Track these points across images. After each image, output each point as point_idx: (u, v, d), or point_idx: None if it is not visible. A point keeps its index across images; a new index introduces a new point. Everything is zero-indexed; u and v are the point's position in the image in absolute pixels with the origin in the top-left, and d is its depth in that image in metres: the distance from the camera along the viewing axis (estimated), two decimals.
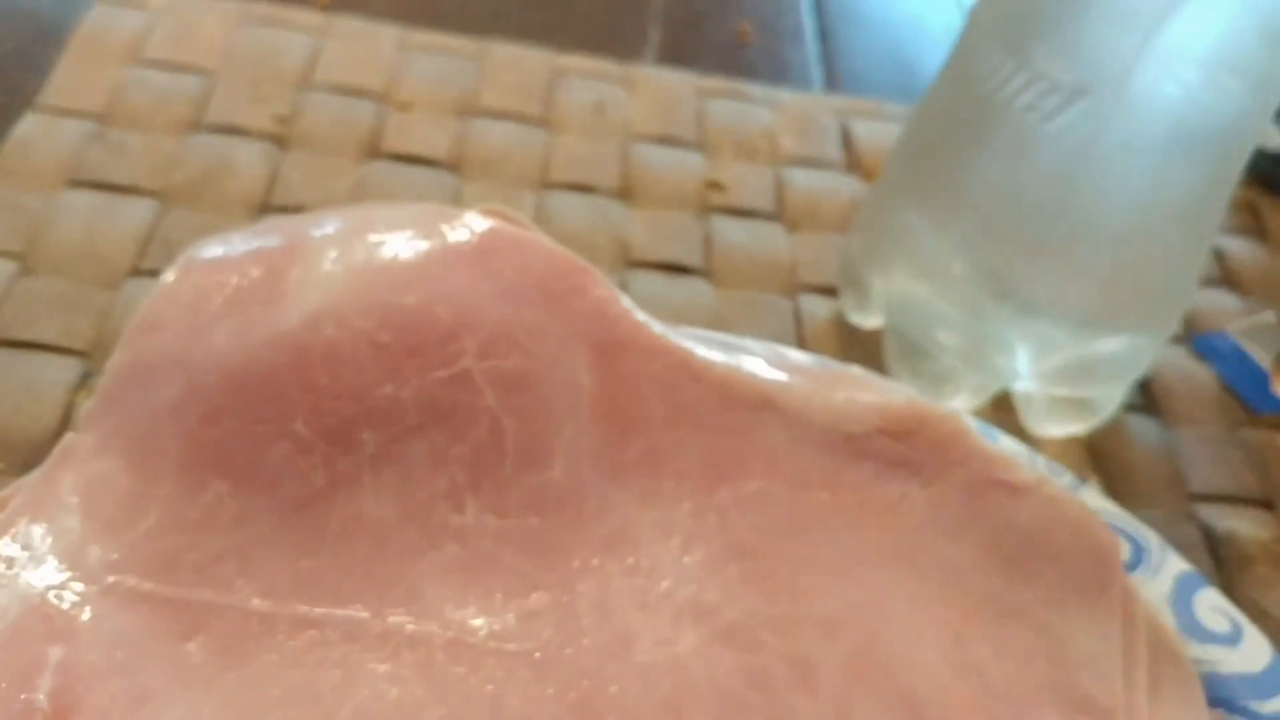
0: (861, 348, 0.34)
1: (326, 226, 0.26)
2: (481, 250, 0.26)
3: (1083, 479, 0.30)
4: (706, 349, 0.27)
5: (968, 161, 0.30)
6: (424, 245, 0.26)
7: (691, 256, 0.36)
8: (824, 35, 0.46)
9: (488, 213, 0.27)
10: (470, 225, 0.27)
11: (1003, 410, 0.33)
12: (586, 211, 0.36)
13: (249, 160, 0.35)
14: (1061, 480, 0.29)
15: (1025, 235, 0.30)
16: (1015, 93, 0.29)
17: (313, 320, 0.24)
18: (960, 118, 0.30)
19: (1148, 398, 0.35)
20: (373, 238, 0.26)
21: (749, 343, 0.30)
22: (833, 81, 0.44)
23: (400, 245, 0.26)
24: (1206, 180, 0.30)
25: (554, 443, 0.26)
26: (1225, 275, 0.40)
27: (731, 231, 0.37)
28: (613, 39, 0.44)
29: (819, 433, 0.27)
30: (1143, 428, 0.34)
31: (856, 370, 0.29)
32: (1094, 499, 0.29)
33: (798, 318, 0.35)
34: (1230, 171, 0.30)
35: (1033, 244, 0.30)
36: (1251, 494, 0.33)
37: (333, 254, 0.26)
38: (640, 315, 0.27)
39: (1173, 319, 0.33)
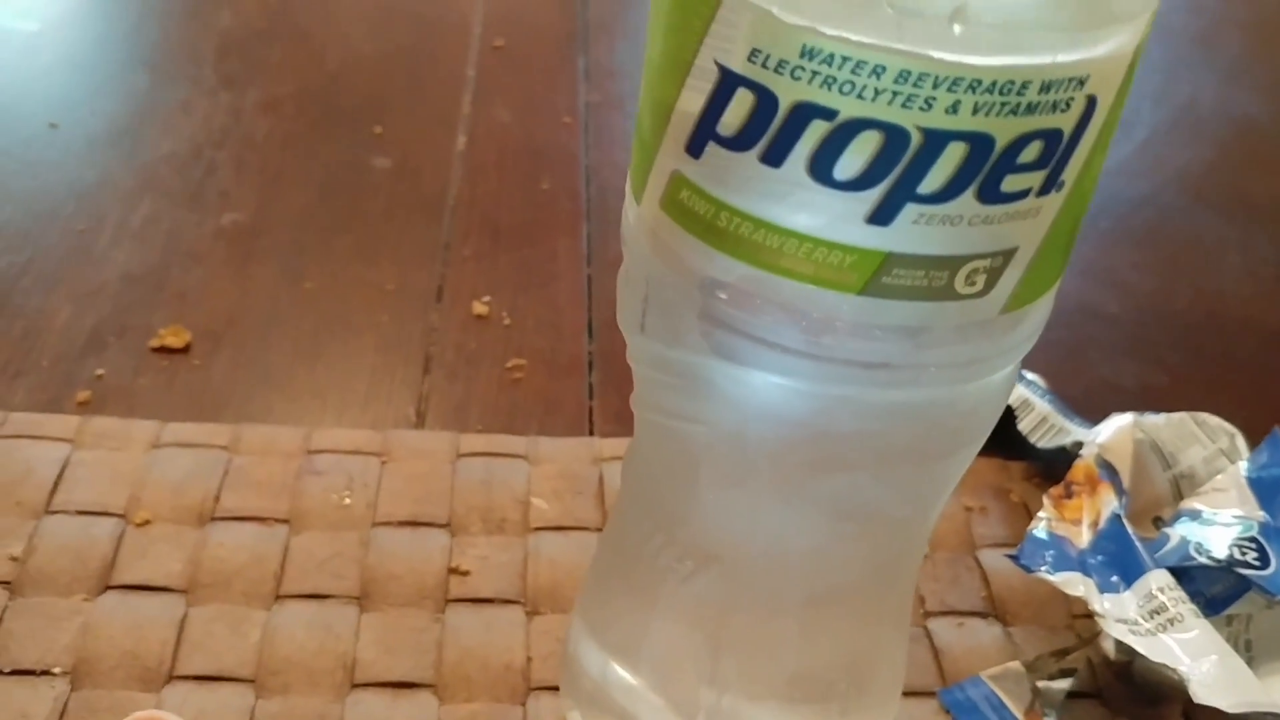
0: None
1: None
2: None
3: None
4: None
5: (637, 608, 0.30)
6: None
7: (420, 669, 0.35)
8: (594, 365, 0.47)
9: None
10: None
11: None
12: (315, 628, 0.36)
13: None
14: None
15: (697, 672, 0.30)
16: (656, 551, 0.29)
17: None
18: (624, 569, 0.30)
19: None
20: None
21: None
22: (605, 414, 0.45)
23: None
24: (877, 571, 0.29)
25: None
26: (989, 603, 0.40)
27: (467, 629, 0.37)
28: (374, 398, 0.44)
29: None
30: None
31: None
32: None
33: None
34: (907, 549, 0.29)
35: (705, 679, 0.30)
36: None
37: None
38: None
39: (888, 701, 0.32)
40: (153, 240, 0.50)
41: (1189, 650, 0.34)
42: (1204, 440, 0.43)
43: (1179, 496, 0.42)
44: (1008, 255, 0.22)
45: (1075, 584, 0.36)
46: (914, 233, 0.21)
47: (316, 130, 0.58)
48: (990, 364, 0.24)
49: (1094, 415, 0.44)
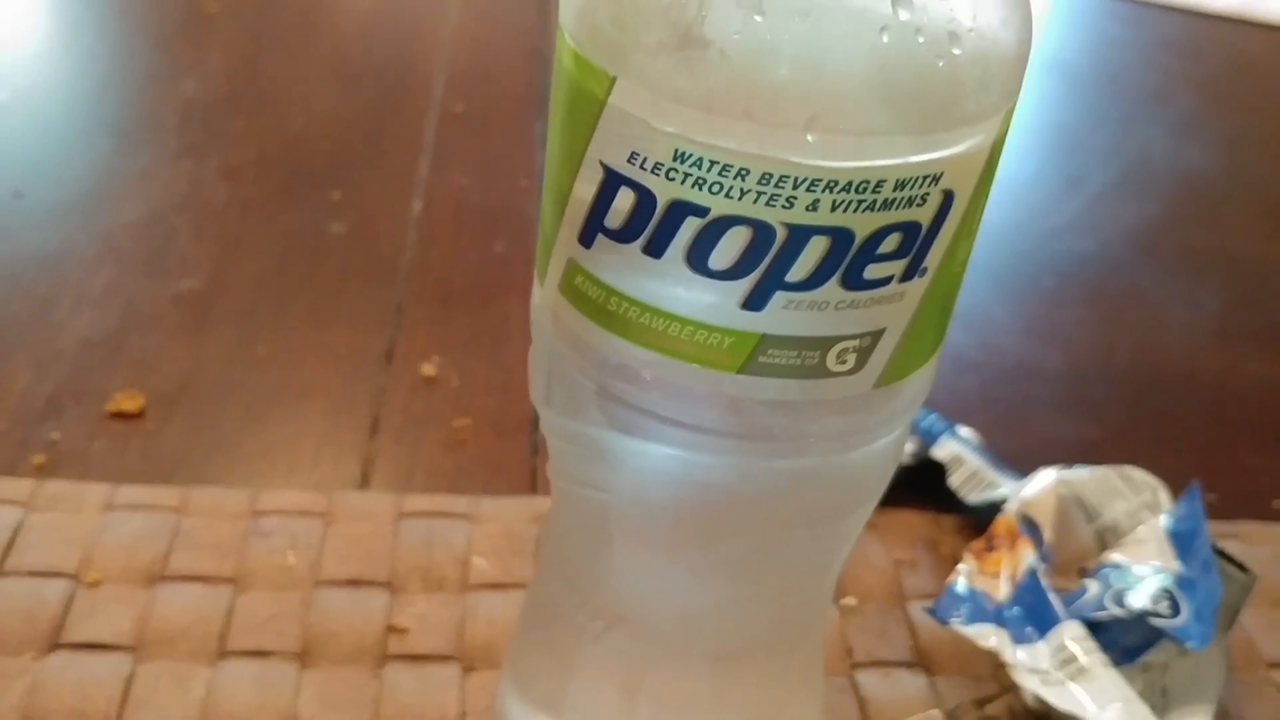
0: None
1: None
2: None
3: None
4: None
5: (558, 665, 0.31)
6: None
7: None
8: (538, 425, 0.48)
9: None
10: None
11: None
12: (258, 684, 0.37)
13: None
14: None
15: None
16: (571, 611, 0.30)
17: None
18: (544, 627, 0.32)
19: None
20: None
21: None
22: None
23: None
24: (781, 629, 0.30)
25: None
26: (916, 654, 0.41)
27: (404, 686, 0.38)
28: (321, 460, 0.45)
29: None
30: None
31: None
32: None
33: None
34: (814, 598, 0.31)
35: None
36: None
37: None
38: None
39: None
40: (111, 307, 0.51)
41: (1095, 698, 0.36)
42: (1128, 494, 0.45)
43: (1103, 548, 0.44)
44: (875, 336, 0.23)
45: (988, 635, 0.38)
46: (785, 317, 0.22)
47: (276, 196, 0.60)
48: (870, 434, 0.25)
49: (1031, 470, 0.45)
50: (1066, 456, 0.47)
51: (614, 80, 0.21)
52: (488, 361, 0.51)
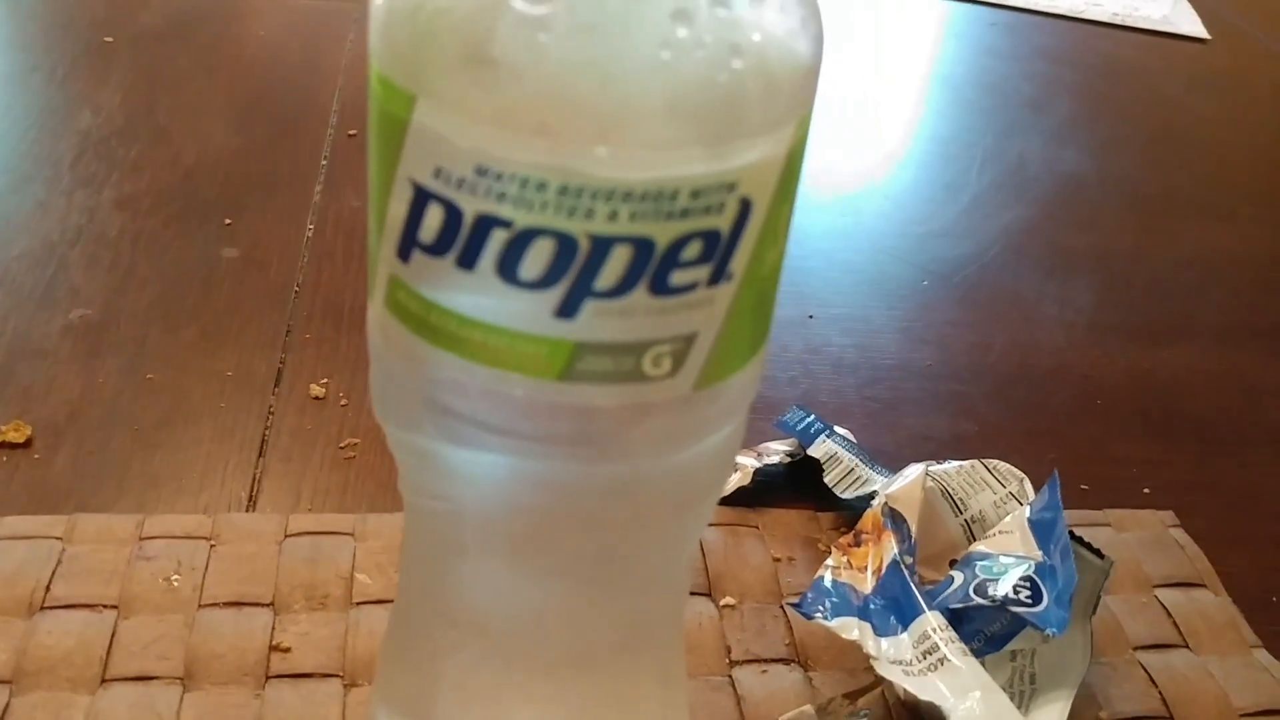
0: None
1: None
2: None
3: None
4: None
5: (423, 679, 0.32)
6: None
7: None
8: None
9: None
10: None
11: None
12: (139, 709, 0.38)
13: None
14: None
15: None
16: (429, 623, 0.31)
17: None
18: (406, 641, 0.33)
19: None
20: None
21: None
22: None
23: None
24: (635, 629, 0.31)
25: None
26: (793, 650, 0.42)
27: (286, 704, 0.38)
28: (208, 483, 0.46)
29: None
30: None
31: None
32: None
33: None
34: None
35: None
36: None
37: None
38: None
39: None
40: (0, 338, 0.52)
41: (953, 688, 0.37)
42: (994, 485, 0.47)
43: (971, 540, 0.45)
44: (689, 340, 0.24)
45: (850, 628, 0.39)
46: (597, 324, 0.23)
47: (170, 225, 0.61)
48: (695, 435, 0.26)
49: (905, 466, 0.47)
50: (941, 452, 0.49)
51: (415, 99, 0.22)
52: None
